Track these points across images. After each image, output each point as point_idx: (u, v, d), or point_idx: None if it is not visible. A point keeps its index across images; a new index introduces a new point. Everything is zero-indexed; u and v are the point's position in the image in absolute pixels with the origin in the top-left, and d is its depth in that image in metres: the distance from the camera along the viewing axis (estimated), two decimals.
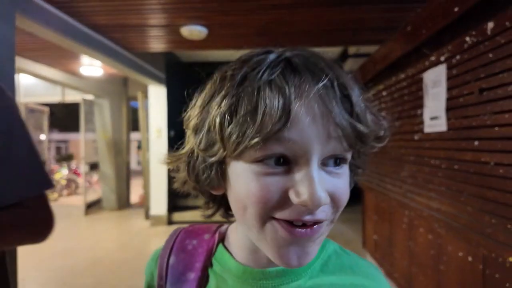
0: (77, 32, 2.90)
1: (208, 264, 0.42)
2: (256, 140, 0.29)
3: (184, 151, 0.41)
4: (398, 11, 2.70)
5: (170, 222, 5.04)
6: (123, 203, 6.37)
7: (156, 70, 4.67)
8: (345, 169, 0.34)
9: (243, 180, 0.33)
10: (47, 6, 2.51)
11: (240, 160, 0.33)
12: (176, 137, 5.35)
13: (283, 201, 0.31)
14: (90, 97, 6.05)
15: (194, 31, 3.03)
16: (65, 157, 12.47)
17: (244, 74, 0.34)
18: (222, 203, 0.41)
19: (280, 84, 0.30)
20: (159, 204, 5.03)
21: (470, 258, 1.57)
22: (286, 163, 0.31)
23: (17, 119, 0.65)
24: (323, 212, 0.32)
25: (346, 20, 2.94)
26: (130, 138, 6.73)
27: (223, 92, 0.34)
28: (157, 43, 3.67)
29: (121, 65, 3.71)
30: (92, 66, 4.65)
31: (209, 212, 0.44)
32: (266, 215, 0.32)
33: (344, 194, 0.33)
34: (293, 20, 2.94)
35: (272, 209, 0.31)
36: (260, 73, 0.32)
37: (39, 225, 0.66)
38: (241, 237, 0.40)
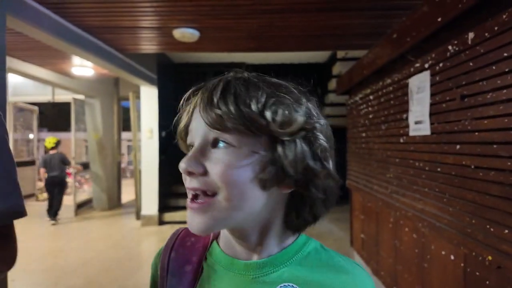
0: (69, 33, 2.90)
1: (203, 258, 0.49)
2: (179, 131, 0.46)
3: None
4: (384, 17, 2.79)
5: (161, 222, 5.04)
6: (114, 203, 6.34)
7: (148, 71, 4.67)
8: (225, 150, 0.39)
9: None
10: (39, 7, 2.51)
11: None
12: (167, 137, 5.36)
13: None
14: (80, 96, 6.00)
15: (186, 33, 3.05)
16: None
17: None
18: None
19: (188, 97, 0.46)
20: (150, 204, 5.03)
21: (452, 257, 1.64)
22: None
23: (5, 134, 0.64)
24: (194, 183, 0.40)
25: (335, 25, 3.02)
26: (121, 138, 6.69)
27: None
28: (149, 45, 3.68)
29: (113, 66, 3.71)
30: (83, 67, 4.62)
31: None
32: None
33: (217, 168, 0.39)
34: (283, 25, 3.00)
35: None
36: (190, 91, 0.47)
37: (3, 257, 0.63)
38: (225, 233, 0.47)
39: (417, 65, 1.92)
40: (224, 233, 0.47)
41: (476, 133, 1.43)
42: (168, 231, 4.76)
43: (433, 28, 1.64)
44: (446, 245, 1.69)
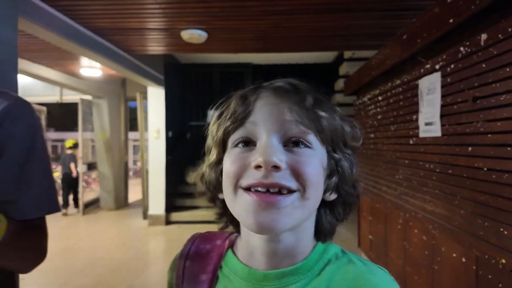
0: (78, 34, 2.92)
1: (218, 266, 0.47)
2: (227, 125, 0.41)
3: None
4: (391, 18, 2.77)
5: (168, 222, 5.07)
6: (121, 203, 6.39)
7: (155, 72, 4.70)
8: (308, 151, 0.39)
9: (225, 166, 0.42)
10: (50, 9, 2.53)
11: (227, 151, 0.42)
12: (174, 137, 5.39)
13: (245, 170, 0.38)
14: (88, 97, 6.05)
15: (194, 35, 3.06)
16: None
17: (232, 95, 0.45)
18: (233, 217, 0.45)
19: (245, 93, 0.42)
20: (157, 204, 5.06)
21: (463, 259, 1.63)
22: (253, 144, 0.40)
23: (39, 140, 0.67)
24: (281, 178, 0.36)
25: (342, 26, 3.01)
26: (128, 137, 6.74)
27: (218, 110, 0.45)
28: (156, 46, 3.70)
29: (121, 67, 3.73)
30: (91, 68, 4.66)
31: (222, 224, 0.50)
32: (234, 185, 0.39)
33: (306, 168, 0.38)
34: (290, 25, 3.00)
35: (238, 178, 0.39)
36: (236, 93, 0.44)
37: (35, 251, 0.65)
38: (244, 240, 0.45)
39: (428, 66, 1.90)
40: (243, 241, 0.46)
41: (489, 135, 1.42)
42: (175, 231, 4.78)
43: (445, 30, 1.63)
44: (457, 247, 1.68)
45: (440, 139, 1.79)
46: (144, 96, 5.21)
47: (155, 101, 5.02)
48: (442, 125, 1.76)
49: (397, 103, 2.33)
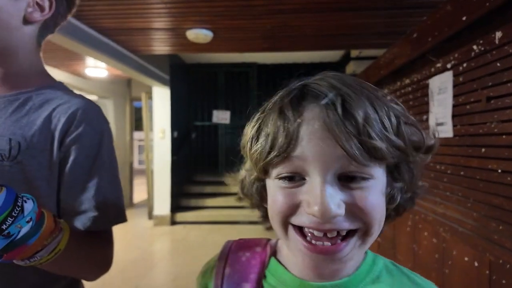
0: (84, 35, 2.92)
1: (262, 276, 0.45)
2: (269, 157, 0.36)
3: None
4: (399, 16, 2.73)
5: (173, 222, 5.07)
6: (126, 203, 6.38)
7: (161, 72, 4.69)
8: (367, 183, 0.35)
9: (270, 194, 0.39)
10: None
11: (270, 177, 0.39)
12: (179, 137, 5.38)
13: (297, 209, 0.35)
14: (93, 97, 6.07)
15: (199, 34, 3.05)
16: None
17: (270, 102, 0.39)
18: None
19: (286, 111, 0.36)
20: (162, 204, 5.06)
21: (476, 263, 1.59)
22: (301, 178, 0.35)
23: (106, 146, 0.64)
24: (340, 222, 0.34)
25: (349, 25, 2.97)
26: (133, 137, 6.76)
27: (254, 120, 0.41)
28: (162, 46, 3.69)
29: (127, 67, 3.73)
30: (97, 68, 4.67)
31: (267, 225, 0.47)
32: (284, 222, 0.37)
33: (367, 204, 0.34)
34: (297, 24, 2.97)
35: (288, 216, 0.36)
36: (276, 101, 0.39)
37: (99, 261, 0.64)
38: (286, 248, 0.43)
39: (439, 65, 1.86)
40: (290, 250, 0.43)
41: (504, 136, 1.38)
42: (181, 231, 4.78)
43: (457, 28, 1.59)
44: (470, 251, 1.63)
45: (452, 140, 1.75)
46: (150, 96, 5.21)
47: (161, 101, 5.02)
48: (454, 126, 1.72)
49: (407, 103, 2.29)
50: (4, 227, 0.41)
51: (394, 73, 2.47)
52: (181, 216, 5.10)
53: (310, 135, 0.34)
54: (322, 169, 0.34)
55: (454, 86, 1.71)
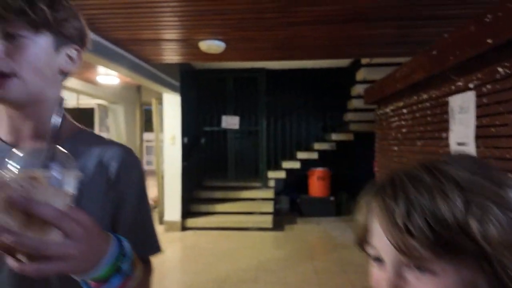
0: (97, 45, 2.93)
1: None
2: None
3: None
4: (413, 26, 2.69)
5: (183, 228, 5.08)
6: None
7: (171, 79, 4.70)
8: (430, 278, 0.34)
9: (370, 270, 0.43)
10: None
11: None
12: (189, 143, 5.40)
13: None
14: (104, 102, 6.12)
15: (212, 45, 3.04)
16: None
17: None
18: None
19: (366, 202, 0.40)
20: (173, 210, 5.07)
21: None
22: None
23: (145, 184, 0.71)
24: None
25: (361, 35, 2.94)
26: (143, 140, 6.80)
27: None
28: (173, 55, 3.70)
29: (139, 76, 3.74)
30: (108, 75, 4.70)
31: None
32: None
33: None
34: (308, 35, 2.95)
35: None
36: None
37: (148, 286, 0.69)
38: None
39: (460, 84, 1.83)
40: None
41: None
42: (191, 237, 4.79)
43: (481, 49, 1.56)
44: None
45: None
46: (160, 102, 5.23)
47: (171, 107, 5.03)
48: (477, 147, 1.69)
49: (424, 118, 2.26)
50: (120, 265, 0.48)
51: (412, 87, 2.44)
52: (191, 222, 5.11)
53: (379, 228, 0.37)
54: (384, 255, 0.38)
55: (477, 106, 1.68)
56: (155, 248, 0.71)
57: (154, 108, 5.32)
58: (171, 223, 5.05)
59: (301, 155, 5.65)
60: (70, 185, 0.46)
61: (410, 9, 2.28)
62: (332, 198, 5.55)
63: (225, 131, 5.83)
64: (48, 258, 0.39)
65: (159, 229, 5.12)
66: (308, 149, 5.84)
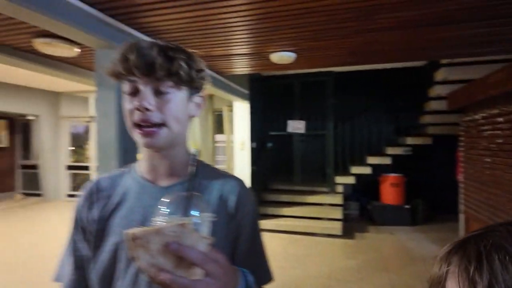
0: None
1: None
2: None
3: None
4: (497, 25, 2.40)
5: None
6: None
7: (241, 88, 4.92)
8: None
9: None
10: (146, 38, 2.82)
11: None
12: (257, 148, 5.57)
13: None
14: None
15: (283, 57, 3.11)
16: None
17: None
18: None
19: (446, 260, 0.38)
20: None
21: None
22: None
23: (258, 217, 0.78)
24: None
25: (442, 37, 2.72)
26: (216, 143, 7.22)
27: None
28: (244, 67, 3.86)
29: (213, 88, 3.99)
30: None
31: None
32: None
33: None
34: (386, 40, 2.83)
35: None
36: None
37: None
38: None
39: None
40: None
41: None
42: None
43: None
44: None
45: None
46: (230, 109, 5.50)
47: (241, 114, 5.26)
48: None
49: None
50: None
51: (508, 94, 2.18)
52: (260, 223, 5.27)
53: None
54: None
55: None
56: (268, 277, 0.75)
57: (225, 115, 5.61)
58: None
59: (372, 159, 5.42)
60: (207, 227, 0.56)
61: (502, 7, 2.05)
62: (407, 206, 5.21)
63: (291, 135, 5.88)
64: None
65: None
66: (380, 153, 5.57)
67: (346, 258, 4.00)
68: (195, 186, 0.64)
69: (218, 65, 3.69)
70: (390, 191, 5.29)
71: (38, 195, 7.85)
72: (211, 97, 6.73)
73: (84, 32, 1.98)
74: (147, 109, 0.63)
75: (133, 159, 0.86)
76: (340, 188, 5.45)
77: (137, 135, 0.65)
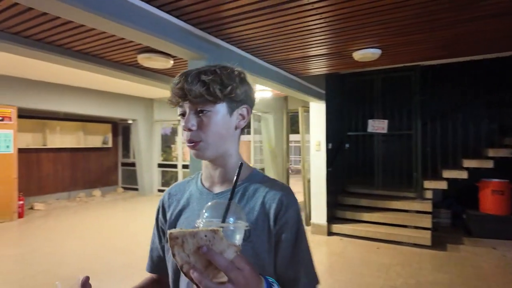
0: (259, 67, 3.32)
1: None
2: None
3: None
4: None
5: (329, 232, 5.15)
6: None
7: (318, 88, 4.85)
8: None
9: None
10: (238, 51, 2.95)
11: None
12: (333, 149, 5.42)
13: None
14: (257, 112, 6.90)
15: (367, 54, 2.97)
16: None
17: None
18: None
19: None
20: (318, 213, 5.22)
21: None
22: None
23: (301, 222, 0.79)
24: None
25: None
26: (290, 144, 7.29)
27: None
28: (322, 68, 3.79)
29: (289, 88, 4.02)
30: (264, 91, 5.26)
31: None
32: None
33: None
34: (483, 30, 2.50)
35: None
36: None
37: None
38: None
39: None
40: None
41: None
42: (338, 243, 4.80)
43: None
44: None
45: None
46: (306, 110, 5.47)
47: (317, 114, 5.18)
48: None
49: None
50: None
51: None
52: (337, 227, 5.13)
53: None
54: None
55: None
56: (314, 281, 0.77)
57: (300, 115, 5.60)
58: (317, 226, 5.20)
59: (469, 163, 4.79)
60: (240, 234, 0.60)
61: None
62: None
63: (371, 135, 5.56)
64: None
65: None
66: (478, 155, 4.90)
67: (437, 271, 3.63)
68: (245, 192, 0.75)
69: (295, 67, 3.70)
70: (492, 199, 4.62)
71: (135, 189, 8.96)
72: (285, 98, 6.80)
73: (179, 46, 2.20)
74: (189, 129, 0.74)
75: None
76: (429, 194, 4.96)
77: (188, 149, 0.77)
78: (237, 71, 0.78)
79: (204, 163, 0.82)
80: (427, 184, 4.92)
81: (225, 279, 0.53)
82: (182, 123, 0.76)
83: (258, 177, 0.82)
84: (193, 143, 0.75)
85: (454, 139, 5.15)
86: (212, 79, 0.73)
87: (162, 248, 0.87)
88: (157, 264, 0.89)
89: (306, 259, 0.77)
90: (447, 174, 4.86)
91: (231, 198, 0.61)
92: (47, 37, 2.54)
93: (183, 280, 0.76)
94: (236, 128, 0.79)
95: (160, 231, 0.88)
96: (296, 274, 0.74)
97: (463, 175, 4.73)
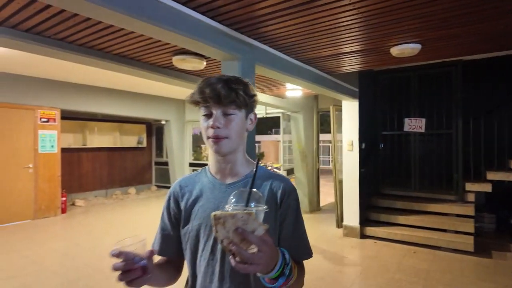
0: (292, 66, 3.28)
1: None
2: None
3: None
4: None
5: (362, 235, 5.00)
6: (314, 207, 6.85)
7: (351, 85, 4.72)
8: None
9: None
10: (270, 50, 2.94)
11: None
12: (366, 149, 5.25)
13: None
14: (288, 113, 6.84)
15: (406, 49, 2.84)
16: (259, 155, 14.74)
17: None
18: None
19: None
20: (351, 215, 5.08)
21: None
22: None
23: (299, 207, 0.98)
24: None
25: None
26: (319, 143, 7.16)
27: None
28: (356, 65, 3.68)
29: (321, 87, 3.94)
30: (294, 90, 5.21)
31: None
32: None
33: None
34: None
35: None
36: None
37: (301, 283, 0.95)
38: None
39: None
40: None
41: None
42: (372, 247, 4.64)
43: None
44: None
45: None
46: (338, 109, 5.34)
47: (350, 113, 5.05)
48: None
49: None
50: (284, 270, 0.77)
51: None
52: (370, 230, 4.96)
53: None
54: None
55: None
56: (308, 254, 0.97)
57: (332, 114, 5.48)
58: (350, 228, 5.07)
59: None
60: (261, 215, 0.74)
61: None
62: None
63: (408, 134, 5.32)
64: (249, 263, 0.68)
65: (336, 232, 5.26)
66: None
67: (481, 280, 3.40)
68: (255, 183, 0.88)
69: (327, 65, 3.63)
70: None
71: (168, 187, 9.23)
72: (316, 97, 6.69)
73: (214, 47, 2.22)
74: (218, 127, 0.87)
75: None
76: (471, 197, 4.67)
77: (210, 144, 0.90)
78: (248, 81, 0.93)
79: (215, 158, 0.95)
80: (469, 186, 4.62)
81: (255, 249, 0.68)
82: (207, 122, 0.88)
83: (263, 170, 1.00)
84: (219, 138, 0.87)
85: (499, 139, 4.80)
86: (240, 87, 0.88)
87: (176, 234, 1.00)
88: (170, 248, 1.02)
89: (303, 236, 0.97)
90: (492, 175, 4.54)
91: (251, 187, 0.75)
92: (89, 42, 2.68)
93: (203, 259, 0.92)
94: (246, 130, 0.95)
95: (172, 219, 1.00)
96: (294, 247, 0.92)
97: (510, 177, 4.40)
